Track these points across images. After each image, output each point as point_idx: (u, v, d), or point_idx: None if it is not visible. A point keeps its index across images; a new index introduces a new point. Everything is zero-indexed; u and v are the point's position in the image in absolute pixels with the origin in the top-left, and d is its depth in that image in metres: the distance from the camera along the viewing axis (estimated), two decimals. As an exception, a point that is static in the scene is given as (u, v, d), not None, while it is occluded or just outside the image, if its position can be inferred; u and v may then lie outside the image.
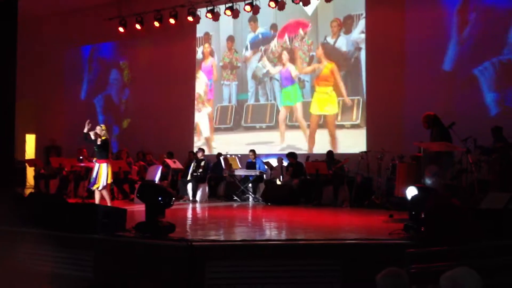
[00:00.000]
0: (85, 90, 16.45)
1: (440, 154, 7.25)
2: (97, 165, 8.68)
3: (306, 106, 12.83)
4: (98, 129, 8.70)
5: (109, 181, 8.72)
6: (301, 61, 12.98)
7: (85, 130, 8.72)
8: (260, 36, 13.64)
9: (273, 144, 13.21)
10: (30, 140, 16.75)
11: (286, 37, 13.24)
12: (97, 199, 8.77)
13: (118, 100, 15.92)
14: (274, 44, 13.40)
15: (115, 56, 16.09)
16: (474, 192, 7.71)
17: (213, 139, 14.13)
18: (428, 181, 7.07)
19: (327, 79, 12.58)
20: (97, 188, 8.61)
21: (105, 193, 8.77)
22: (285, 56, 13.19)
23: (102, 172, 8.59)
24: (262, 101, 13.56)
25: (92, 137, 8.66)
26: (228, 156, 12.26)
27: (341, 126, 12.36)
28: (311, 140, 12.71)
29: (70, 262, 5.46)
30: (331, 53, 12.63)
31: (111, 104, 16.02)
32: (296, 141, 12.92)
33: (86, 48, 16.44)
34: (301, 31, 13.00)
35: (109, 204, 8.59)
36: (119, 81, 15.93)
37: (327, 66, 12.61)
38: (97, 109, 16.19)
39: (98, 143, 8.63)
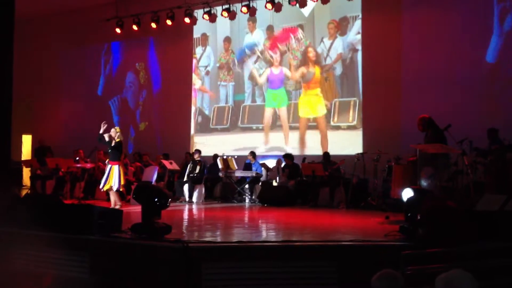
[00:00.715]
0: (82, 90, 16.43)
1: (436, 156, 7.28)
2: (109, 166, 8.93)
3: (291, 109, 12.95)
4: (112, 131, 8.96)
5: (122, 182, 8.95)
6: (293, 65, 13.03)
7: (101, 131, 8.94)
8: (255, 42, 13.67)
9: (261, 145, 13.26)
10: (27, 141, 16.71)
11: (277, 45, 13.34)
12: (112, 200, 9.03)
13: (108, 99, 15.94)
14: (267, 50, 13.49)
15: (115, 57, 16.10)
16: (470, 194, 7.74)
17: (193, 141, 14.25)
18: (424, 183, 7.10)
19: (317, 82, 12.69)
20: (108, 188, 8.89)
21: (113, 194, 8.92)
22: (278, 58, 13.24)
23: (114, 174, 8.83)
24: (259, 102, 13.57)
25: (107, 138, 8.88)
26: (225, 157, 12.26)
27: (337, 127, 12.39)
28: (302, 142, 12.78)
29: (66, 263, 5.46)
30: (319, 57, 12.73)
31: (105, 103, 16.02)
32: (279, 143, 13.05)
33: (84, 49, 16.40)
34: (292, 38, 13.07)
35: (113, 206, 8.79)
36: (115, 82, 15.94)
37: (317, 70, 12.71)
38: (90, 109, 16.20)
39: (112, 144, 8.85)
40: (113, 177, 8.81)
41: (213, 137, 14.10)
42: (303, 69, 12.88)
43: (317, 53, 12.77)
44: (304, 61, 12.92)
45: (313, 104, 12.70)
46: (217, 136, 14.05)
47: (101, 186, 9.04)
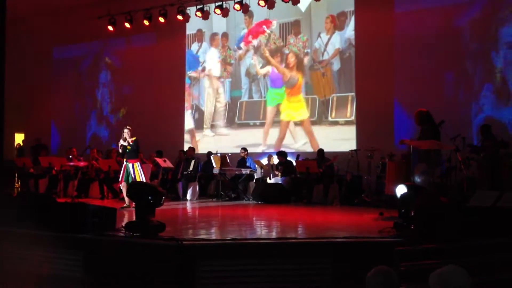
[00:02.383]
0: (75, 88, 16.36)
1: (429, 152, 7.29)
2: (129, 164, 9.03)
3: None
4: (126, 132, 9.12)
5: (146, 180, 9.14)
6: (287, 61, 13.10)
7: (120, 151, 9.18)
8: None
9: (261, 143, 13.29)
10: (19, 139, 16.60)
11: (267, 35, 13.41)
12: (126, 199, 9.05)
13: (107, 98, 15.88)
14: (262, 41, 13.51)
15: (105, 55, 16.02)
16: (463, 190, 7.78)
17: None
18: (417, 179, 7.12)
19: (299, 90, 12.87)
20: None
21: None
22: (276, 58, 13.27)
23: (138, 171, 8.99)
24: (256, 98, 13.56)
25: (125, 143, 9.05)
26: (219, 154, 12.25)
27: (335, 123, 12.40)
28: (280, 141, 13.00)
29: (59, 262, 5.42)
30: (300, 63, 12.92)
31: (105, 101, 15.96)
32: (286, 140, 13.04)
33: (76, 47, 16.32)
34: (266, 29, 13.31)
35: (127, 203, 8.90)
36: (109, 80, 15.87)
37: (300, 77, 12.89)
38: (91, 107, 16.12)
39: (131, 143, 9.03)
40: (139, 175, 8.94)
41: (209, 134, 14.10)
42: (291, 73, 13.00)
43: (299, 58, 12.89)
44: (287, 64, 13.06)
45: (295, 109, 12.88)
46: (213, 132, 14.05)
47: (121, 184, 9.19)
